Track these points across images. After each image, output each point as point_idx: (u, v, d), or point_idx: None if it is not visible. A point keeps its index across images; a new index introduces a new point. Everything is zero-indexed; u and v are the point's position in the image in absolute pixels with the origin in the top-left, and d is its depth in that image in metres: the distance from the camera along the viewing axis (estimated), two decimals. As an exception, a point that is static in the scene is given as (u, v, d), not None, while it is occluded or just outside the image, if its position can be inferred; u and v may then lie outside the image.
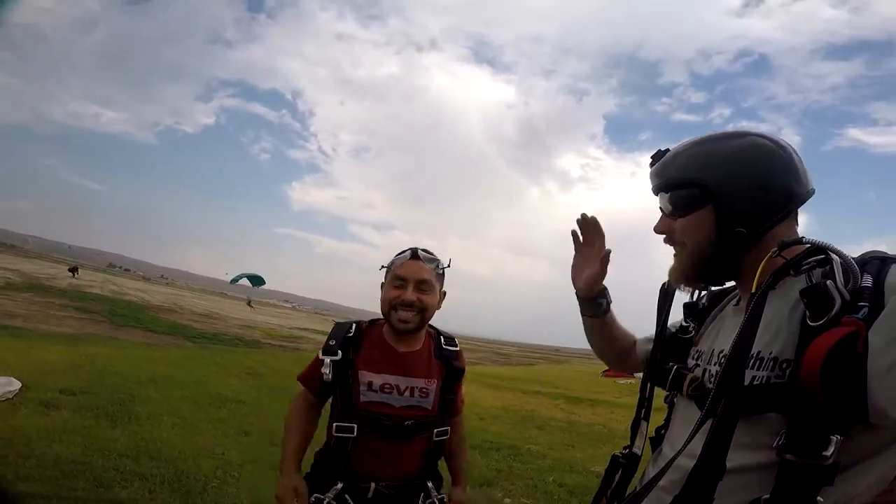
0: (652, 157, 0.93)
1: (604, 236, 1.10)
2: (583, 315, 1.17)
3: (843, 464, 0.65)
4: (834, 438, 0.64)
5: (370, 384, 1.38)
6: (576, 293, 1.15)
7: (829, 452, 0.64)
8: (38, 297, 15.46)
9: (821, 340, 0.65)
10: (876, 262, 0.71)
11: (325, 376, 1.37)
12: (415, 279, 1.41)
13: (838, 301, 0.67)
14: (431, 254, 1.48)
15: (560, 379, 19.32)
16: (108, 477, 3.14)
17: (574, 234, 1.13)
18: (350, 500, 1.34)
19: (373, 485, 1.35)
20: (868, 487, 0.69)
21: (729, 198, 0.81)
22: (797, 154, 0.83)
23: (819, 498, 0.65)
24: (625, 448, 1.01)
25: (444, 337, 1.55)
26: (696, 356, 0.93)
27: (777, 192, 0.81)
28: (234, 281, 24.52)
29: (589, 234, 1.11)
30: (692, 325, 0.98)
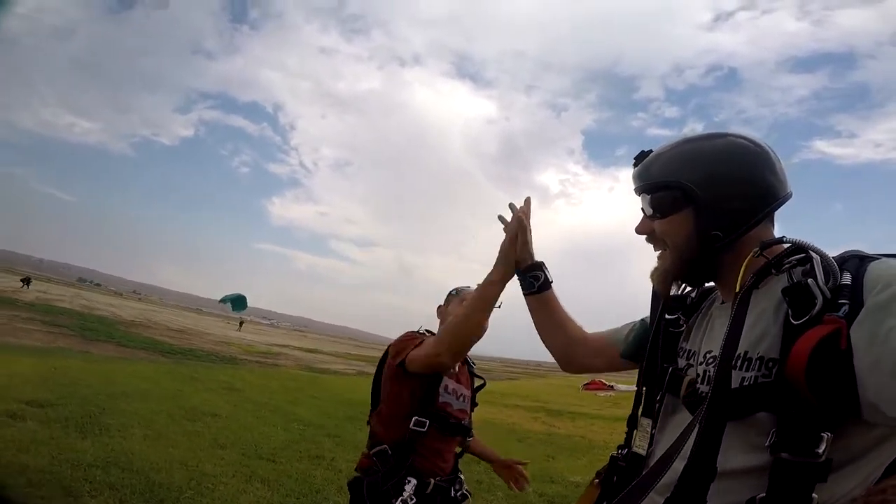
0: (635, 159, 0.93)
1: (528, 216, 1.25)
2: (523, 294, 1.23)
3: (836, 461, 0.65)
4: (825, 436, 0.64)
5: (447, 387, 1.58)
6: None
7: (821, 450, 0.64)
8: (3, 311, 14.87)
9: (804, 339, 0.65)
10: (855, 261, 0.71)
11: None
12: None
13: (820, 299, 0.67)
14: None
15: (540, 392, 19.33)
16: (76, 487, 3.05)
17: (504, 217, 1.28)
18: (414, 497, 1.44)
19: (433, 480, 1.49)
20: (858, 485, 0.69)
21: (708, 200, 0.81)
22: (775, 154, 0.83)
23: (814, 495, 0.65)
24: (620, 448, 0.96)
25: (467, 357, 1.76)
26: (685, 355, 0.91)
27: (756, 194, 0.81)
28: (224, 302, 24.09)
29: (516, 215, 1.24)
30: (682, 319, 0.96)
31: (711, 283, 0.94)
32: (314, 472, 4.37)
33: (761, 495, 0.68)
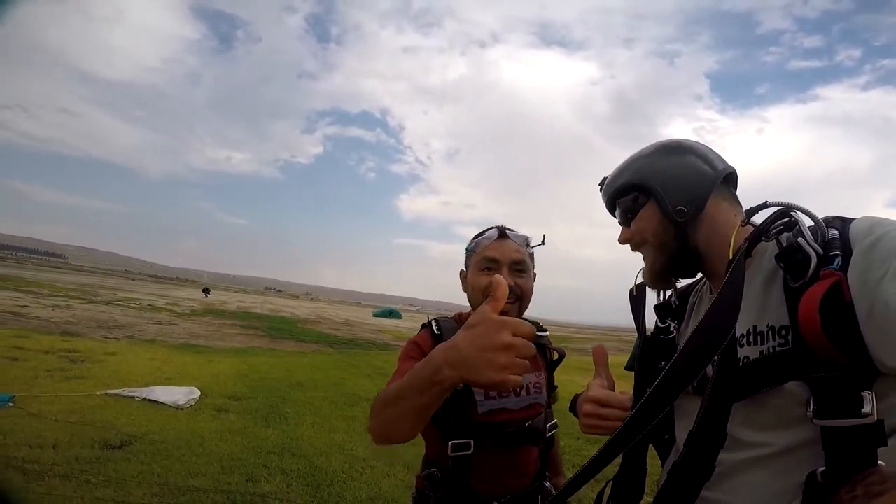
0: (599, 185, 1.00)
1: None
2: None
3: (889, 423, 0.61)
4: (865, 395, 0.61)
5: (487, 391, 1.17)
6: None
7: (867, 410, 0.61)
8: (214, 320, 18.76)
9: (807, 297, 0.65)
10: (838, 220, 0.73)
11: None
12: (508, 260, 1.22)
13: (814, 256, 0.68)
14: (517, 232, 1.30)
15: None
16: (256, 472, 3.64)
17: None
18: None
19: (495, 503, 1.18)
20: None
21: (663, 185, 0.86)
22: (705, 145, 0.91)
23: (881, 462, 0.60)
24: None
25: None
26: None
27: (705, 164, 0.86)
28: (378, 315, 26.36)
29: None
30: (672, 324, 0.99)
31: (697, 277, 0.96)
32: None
33: (821, 469, 0.64)
